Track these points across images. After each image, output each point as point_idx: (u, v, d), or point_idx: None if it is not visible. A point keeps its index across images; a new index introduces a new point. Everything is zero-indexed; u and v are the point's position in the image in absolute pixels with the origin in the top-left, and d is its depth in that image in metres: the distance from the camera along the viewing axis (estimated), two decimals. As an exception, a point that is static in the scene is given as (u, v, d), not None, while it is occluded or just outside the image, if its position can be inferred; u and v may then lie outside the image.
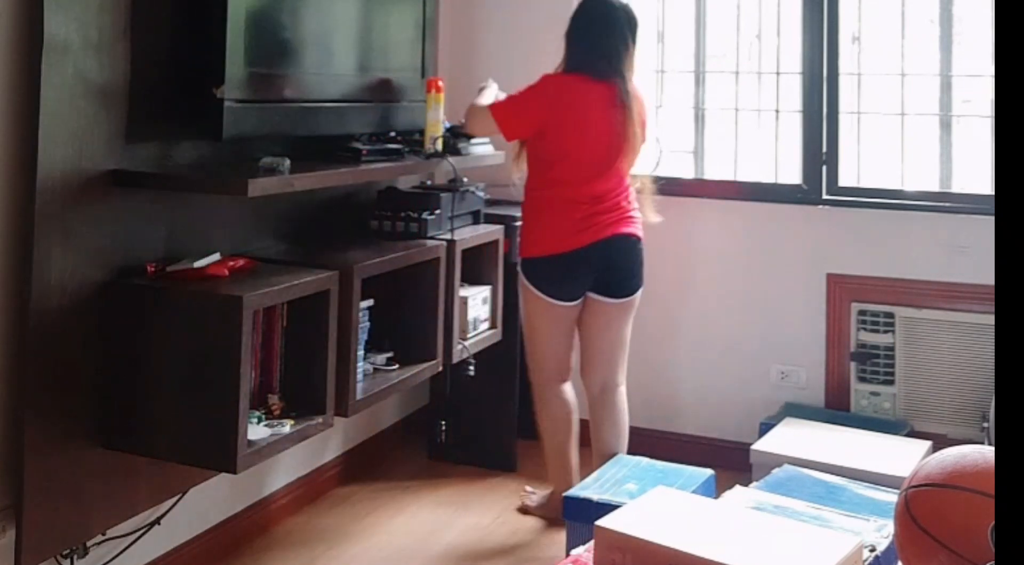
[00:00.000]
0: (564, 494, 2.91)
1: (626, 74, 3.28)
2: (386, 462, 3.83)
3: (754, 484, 2.76)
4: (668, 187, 3.75)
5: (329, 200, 3.19)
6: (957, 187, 3.79)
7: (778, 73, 3.99)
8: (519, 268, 3.35)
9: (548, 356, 3.32)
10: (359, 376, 2.84)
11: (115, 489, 2.46)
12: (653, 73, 4.14)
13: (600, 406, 3.38)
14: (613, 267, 3.26)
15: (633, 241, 3.30)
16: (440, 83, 3.30)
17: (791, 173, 3.94)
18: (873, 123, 3.91)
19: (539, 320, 3.29)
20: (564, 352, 3.33)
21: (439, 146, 3.24)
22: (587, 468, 3.28)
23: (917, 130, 3.88)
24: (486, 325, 3.50)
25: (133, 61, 2.46)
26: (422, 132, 3.28)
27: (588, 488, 2.89)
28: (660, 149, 3.65)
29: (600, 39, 3.28)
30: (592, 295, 3.28)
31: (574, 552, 2.30)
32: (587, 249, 3.21)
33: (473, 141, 3.51)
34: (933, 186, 3.81)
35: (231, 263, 2.56)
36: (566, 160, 3.24)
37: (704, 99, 4.13)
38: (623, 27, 3.29)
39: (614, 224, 3.26)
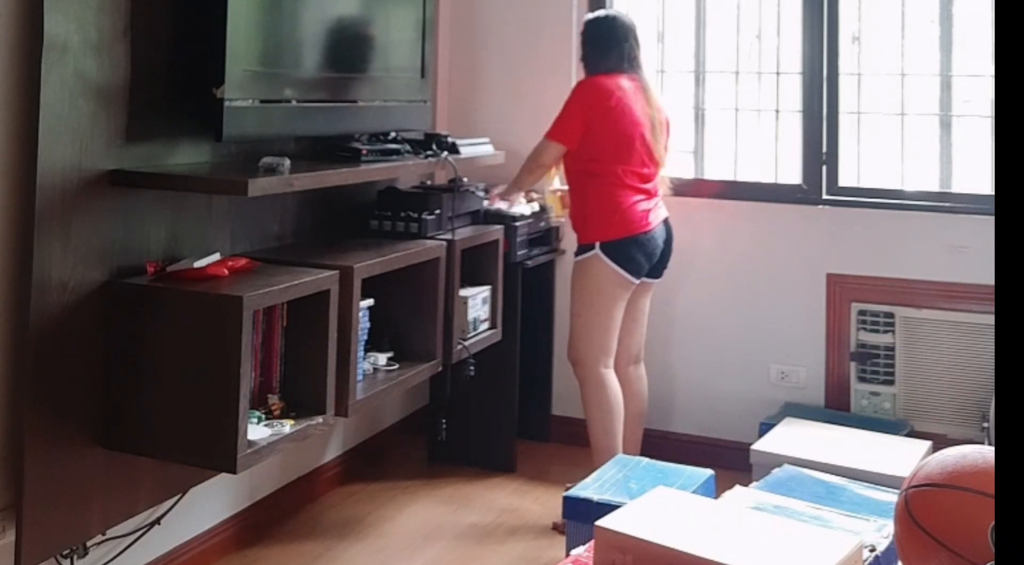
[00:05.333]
0: (564, 494, 2.91)
1: (643, 68, 3.57)
2: (386, 462, 3.84)
3: (754, 484, 2.76)
4: (672, 187, 3.74)
5: (329, 200, 3.19)
6: (957, 187, 3.79)
7: (778, 73, 3.99)
8: (599, 251, 3.38)
9: (610, 338, 3.45)
10: (359, 376, 2.84)
11: (115, 489, 2.46)
12: (653, 73, 4.13)
13: (634, 378, 3.60)
14: (665, 249, 3.52)
15: (671, 227, 3.58)
16: None
17: (791, 173, 3.94)
18: (873, 123, 3.91)
19: (609, 302, 3.42)
20: (616, 334, 3.48)
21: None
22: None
23: (917, 130, 3.88)
24: (486, 325, 3.49)
25: (133, 61, 2.46)
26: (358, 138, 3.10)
27: (588, 488, 2.88)
28: (667, 149, 3.67)
29: (616, 44, 3.51)
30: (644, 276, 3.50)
31: (574, 552, 2.30)
32: (656, 230, 3.47)
33: (473, 141, 3.53)
34: (933, 186, 3.81)
35: (231, 263, 2.56)
36: (621, 150, 3.43)
37: (704, 99, 4.13)
38: (624, 32, 3.54)
39: (661, 209, 3.53)
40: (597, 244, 3.39)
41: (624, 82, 3.46)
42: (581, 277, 3.44)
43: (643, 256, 3.42)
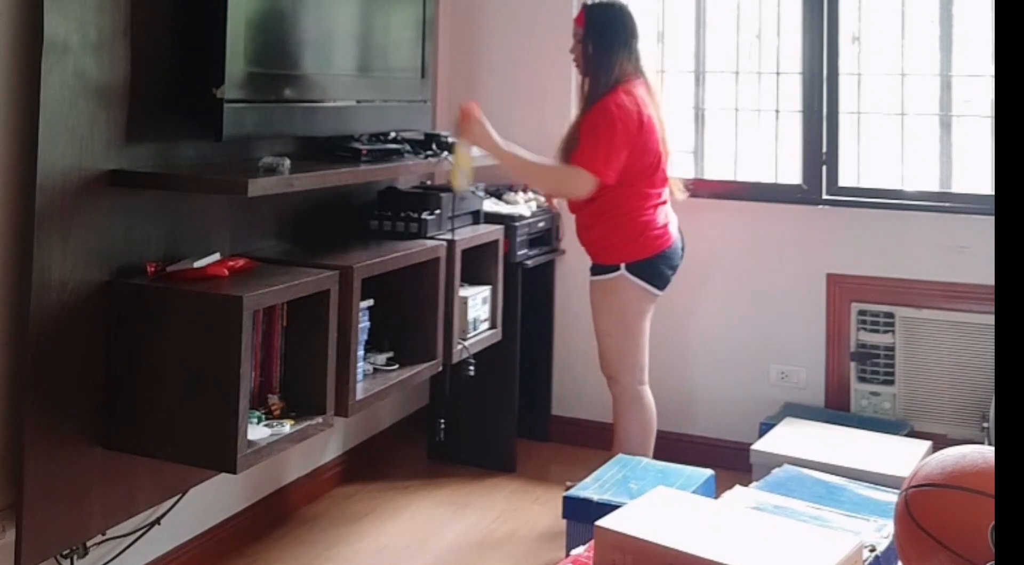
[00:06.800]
0: (564, 494, 2.91)
1: (647, 70, 3.39)
2: (386, 462, 3.84)
3: (754, 484, 2.76)
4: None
5: (329, 200, 3.19)
6: (957, 187, 3.79)
7: (778, 73, 3.99)
8: (625, 272, 3.27)
9: (643, 353, 3.37)
10: (359, 376, 2.84)
11: (115, 489, 2.46)
12: (654, 73, 4.13)
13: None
14: (680, 261, 3.43)
15: (683, 233, 3.47)
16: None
17: (791, 173, 3.95)
18: (873, 123, 3.91)
19: (639, 319, 3.33)
20: (647, 347, 3.40)
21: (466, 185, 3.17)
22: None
23: (917, 130, 3.88)
24: (486, 325, 3.49)
25: (133, 61, 2.46)
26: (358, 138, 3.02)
27: (588, 488, 2.89)
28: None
29: (625, 41, 3.32)
30: None
31: (574, 552, 2.30)
32: (677, 242, 3.39)
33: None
34: (933, 186, 3.81)
35: (231, 263, 2.56)
36: (648, 167, 3.30)
37: (704, 99, 4.13)
38: (633, 26, 3.37)
39: (673, 216, 3.43)
40: (623, 265, 3.28)
41: (642, 92, 3.31)
42: (607, 297, 3.32)
43: (669, 269, 3.35)
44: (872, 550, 2.19)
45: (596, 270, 3.37)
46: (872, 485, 2.77)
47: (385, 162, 3.04)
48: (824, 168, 3.86)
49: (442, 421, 3.47)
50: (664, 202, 3.37)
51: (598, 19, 3.34)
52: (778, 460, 3.04)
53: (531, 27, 4.15)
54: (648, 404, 3.38)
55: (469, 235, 3.40)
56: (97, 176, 2.38)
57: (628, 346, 3.33)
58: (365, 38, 3.21)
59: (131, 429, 2.40)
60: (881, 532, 2.29)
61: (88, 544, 2.48)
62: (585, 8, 3.41)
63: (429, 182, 3.81)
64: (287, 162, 2.58)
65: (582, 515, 2.74)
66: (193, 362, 2.35)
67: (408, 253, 3.05)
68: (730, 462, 3.52)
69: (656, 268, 3.31)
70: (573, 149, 3.27)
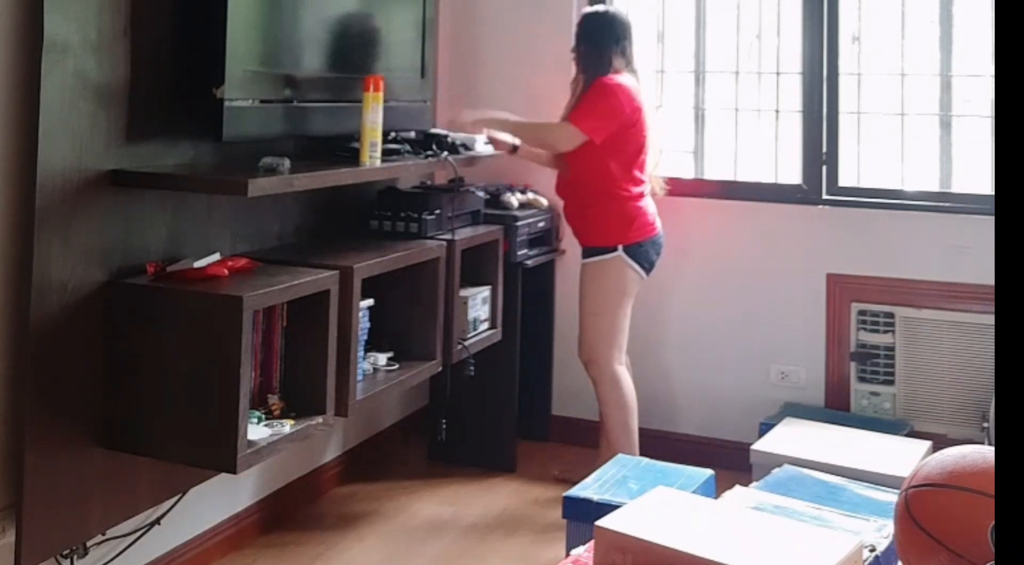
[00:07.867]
0: (564, 494, 2.91)
1: (637, 69, 3.62)
2: (386, 462, 3.83)
3: (754, 484, 2.76)
4: (668, 187, 3.75)
5: (329, 200, 3.19)
6: (957, 187, 3.79)
7: (778, 73, 3.99)
8: (622, 253, 3.46)
9: (624, 335, 3.54)
10: (359, 376, 2.84)
11: (115, 489, 2.46)
12: (653, 73, 4.14)
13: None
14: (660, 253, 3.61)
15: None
16: (380, 83, 2.93)
17: (791, 173, 3.94)
18: (873, 123, 3.91)
19: (626, 300, 3.52)
20: (627, 331, 3.57)
21: (378, 154, 2.93)
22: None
23: (917, 130, 3.88)
24: (486, 325, 3.49)
25: (133, 61, 2.46)
26: (358, 139, 2.92)
27: (588, 488, 2.88)
28: (660, 149, 3.68)
29: (613, 43, 3.55)
30: None
31: (574, 552, 2.30)
32: (660, 235, 3.58)
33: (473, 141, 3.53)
34: (933, 186, 3.81)
35: (231, 263, 2.56)
36: (638, 152, 3.52)
37: (704, 99, 4.13)
38: (624, 30, 3.59)
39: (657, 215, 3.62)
40: (620, 247, 3.47)
41: (635, 82, 3.54)
42: (599, 278, 3.50)
43: (656, 256, 3.55)
44: (872, 550, 2.19)
45: (590, 252, 3.53)
46: (872, 485, 2.76)
47: (385, 162, 3.04)
48: (824, 168, 3.86)
49: (442, 421, 3.47)
50: (646, 193, 3.58)
51: (590, 23, 3.62)
52: (778, 460, 3.03)
53: (531, 27, 4.15)
54: (627, 385, 3.53)
55: (469, 235, 3.40)
56: (97, 176, 2.38)
57: (612, 327, 3.49)
58: (365, 38, 3.21)
59: (131, 429, 2.40)
60: (881, 532, 2.29)
61: (88, 544, 2.49)
62: (582, 15, 3.70)
63: (429, 182, 3.81)
64: (287, 162, 2.57)
65: (582, 515, 2.73)
66: (193, 362, 2.35)
67: (408, 253, 3.05)
68: (730, 462, 3.52)
69: (647, 253, 3.52)
70: None
